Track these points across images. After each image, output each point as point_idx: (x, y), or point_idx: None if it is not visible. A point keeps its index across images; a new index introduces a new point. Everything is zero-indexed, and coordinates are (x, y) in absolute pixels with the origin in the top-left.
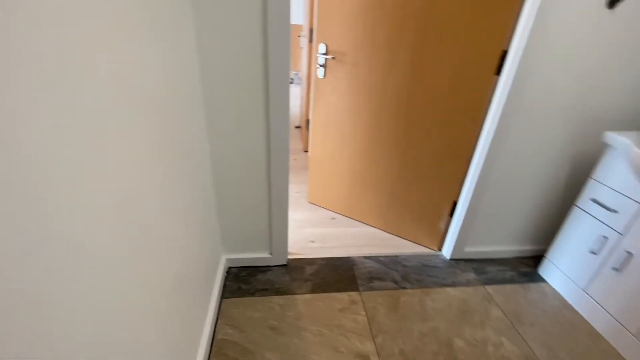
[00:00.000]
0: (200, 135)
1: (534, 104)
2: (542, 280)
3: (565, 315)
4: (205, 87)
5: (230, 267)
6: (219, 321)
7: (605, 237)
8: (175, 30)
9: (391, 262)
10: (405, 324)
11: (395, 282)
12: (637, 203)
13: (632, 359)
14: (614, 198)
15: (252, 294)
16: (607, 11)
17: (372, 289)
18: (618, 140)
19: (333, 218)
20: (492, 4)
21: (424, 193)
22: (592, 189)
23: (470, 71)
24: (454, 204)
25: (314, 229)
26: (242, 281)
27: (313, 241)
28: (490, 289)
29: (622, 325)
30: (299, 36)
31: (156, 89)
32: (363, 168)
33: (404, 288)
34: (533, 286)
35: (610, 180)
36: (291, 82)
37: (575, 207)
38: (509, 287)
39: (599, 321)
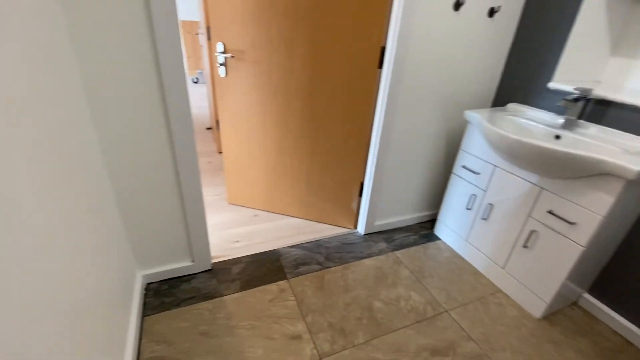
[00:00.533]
0: (91, 149)
1: (411, 91)
2: (437, 238)
3: (455, 263)
4: (91, 98)
5: (149, 283)
6: (142, 340)
7: (474, 195)
8: (47, 34)
9: (314, 247)
10: (331, 299)
11: (320, 263)
12: (491, 165)
13: (502, 285)
14: (477, 163)
15: (177, 305)
16: (454, 12)
17: (299, 274)
18: (473, 116)
19: (255, 215)
20: (368, 5)
21: (336, 179)
22: (462, 158)
23: (359, 66)
24: (362, 185)
25: (237, 229)
26: (164, 295)
27: (237, 241)
28: (399, 253)
29: (493, 261)
30: (196, 34)
31: (33, 95)
32: (278, 162)
33: (328, 267)
34: (431, 245)
35: (473, 149)
36: (196, 82)
37: (453, 174)
38: (413, 249)
39: (478, 262)
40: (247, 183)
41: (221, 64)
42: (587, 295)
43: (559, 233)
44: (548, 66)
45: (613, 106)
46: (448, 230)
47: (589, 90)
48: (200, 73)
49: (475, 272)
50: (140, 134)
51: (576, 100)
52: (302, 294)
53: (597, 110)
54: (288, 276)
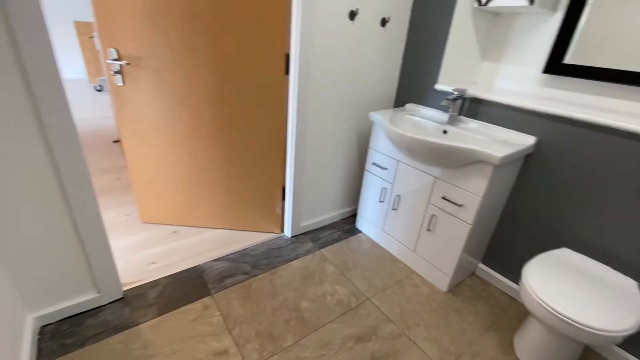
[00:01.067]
0: None
1: (320, 96)
2: (359, 231)
3: (375, 252)
4: None
5: (44, 326)
6: None
7: (385, 188)
8: None
9: (240, 257)
10: (259, 306)
11: (246, 273)
12: (395, 160)
13: (415, 267)
14: (384, 159)
15: (82, 345)
16: (350, 22)
17: (224, 287)
18: (376, 117)
19: (174, 232)
20: (268, 15)
21: (257, 185)
22: (372, 155)
23: (267, 72)
24: (284, 189)
25: (152, 249)
26: (64, 336)
27: (153, 262)
28: (324, 251)
29: (405, 246)
30: (91, 37)
31: None
32: (194, 173)
33: (255, 275)
34: (353, 238)
35: (379, 147)
36: (100, 90)
37: (366, 171)
38: (337, 245)
39: (394, 248)
40: (160, 198)
41: (116, 72)
42: (481, 265)
43: (452, 215)
44: (433, 70)
45: (484, 103)
46: (367, 222)
47: (464, 90)
48: (104, 80)
49: (393, 258)
50: (9, 154)
51: (455, 99)
52: (228, 307)
53: (473, 107)
54: (212, 291)
